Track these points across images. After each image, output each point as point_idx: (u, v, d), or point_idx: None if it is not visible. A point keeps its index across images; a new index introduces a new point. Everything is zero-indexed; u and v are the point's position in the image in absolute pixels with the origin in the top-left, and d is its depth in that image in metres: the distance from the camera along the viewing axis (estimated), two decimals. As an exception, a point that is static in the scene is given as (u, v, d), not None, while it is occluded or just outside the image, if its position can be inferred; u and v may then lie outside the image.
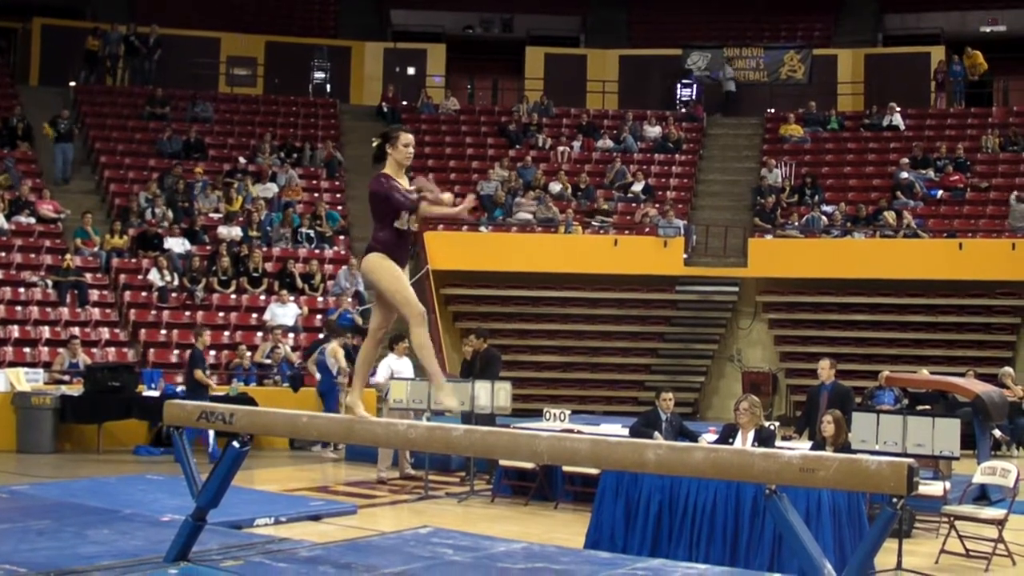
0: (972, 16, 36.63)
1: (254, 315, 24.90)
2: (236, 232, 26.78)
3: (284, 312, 24.27)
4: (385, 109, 34.06)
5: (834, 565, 7.29)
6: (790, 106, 34.17)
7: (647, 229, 28.64)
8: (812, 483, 7.21)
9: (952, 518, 12.19)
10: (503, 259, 27.75)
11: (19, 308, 23.56)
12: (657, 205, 29.39)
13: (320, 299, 25.72)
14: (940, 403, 20.47)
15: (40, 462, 17.92)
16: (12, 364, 21.42)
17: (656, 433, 13.89)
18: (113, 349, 23.24)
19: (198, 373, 19.36)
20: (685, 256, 28.34)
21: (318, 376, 20.51)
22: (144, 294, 24.81)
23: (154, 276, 24.78)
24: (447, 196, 8.97)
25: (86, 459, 18.61)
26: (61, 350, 21.86)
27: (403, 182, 8.73)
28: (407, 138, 8.85)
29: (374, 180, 8.72)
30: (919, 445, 12.10)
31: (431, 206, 8.87)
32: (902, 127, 32.89)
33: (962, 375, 21.63)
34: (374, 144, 8.88)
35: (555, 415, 16.61)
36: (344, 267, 26.33)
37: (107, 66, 33.35)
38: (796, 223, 29.10)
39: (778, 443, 13.21)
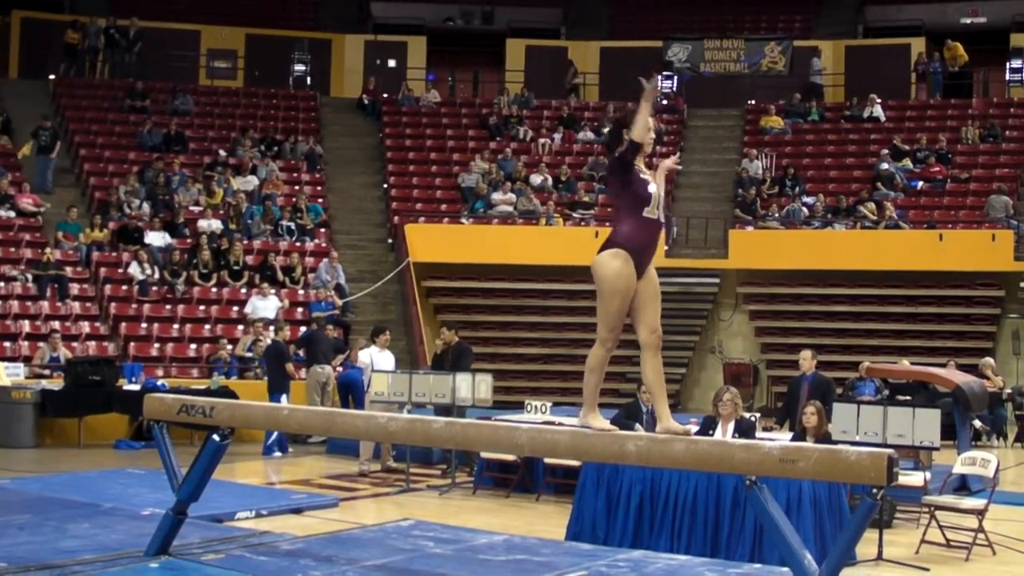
0: (952, 8, 36.67)
1: (235, 308, 24.85)
2: (216, 225, 26.73)
3: (265, 305, 24.22)
4: (366, 102, 34.05)
5: (814, 555, 7.31)
6: (770, 98, 34.23)
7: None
8: (792, 474, 7.22)
9: (932, 508, 12.22)
10: (484, 251, 27.73)
11: (-1, 302, 23.54)
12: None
13: (301, 292, 25.70)
14: (920, 394, 20.52)
15: (20, 456, 17.87)
16: (-8, 359, 21.39)
17: (637, 425, 13.90)
18: (93, 343, 23.19)
19: (289, 366, 19.52)
20: (666, 248, 28.27)
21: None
22: (124, 288, 24.73)
23: (134, 269, 24.72)
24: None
25: (67, 453, 18.58)
26: (41, 344, 21.83)
27: (643, 168, 7.80)
28: (648, 121, 7.78)
29: (612, 161, 7.93)
30: (899, 436, 12.14)
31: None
32: (883, 119, 32.96)
33: (942, 366, 21.71)
34: (606, 131, 8.02)
35: (536, 407, 16.61)
36: (325, 260, 26.30)
37: (87, 59, 33.25)
38: (777, 215, 29.15)
39: (758, 434, 13.24)
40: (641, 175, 7.76)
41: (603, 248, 7.78)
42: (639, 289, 7.83)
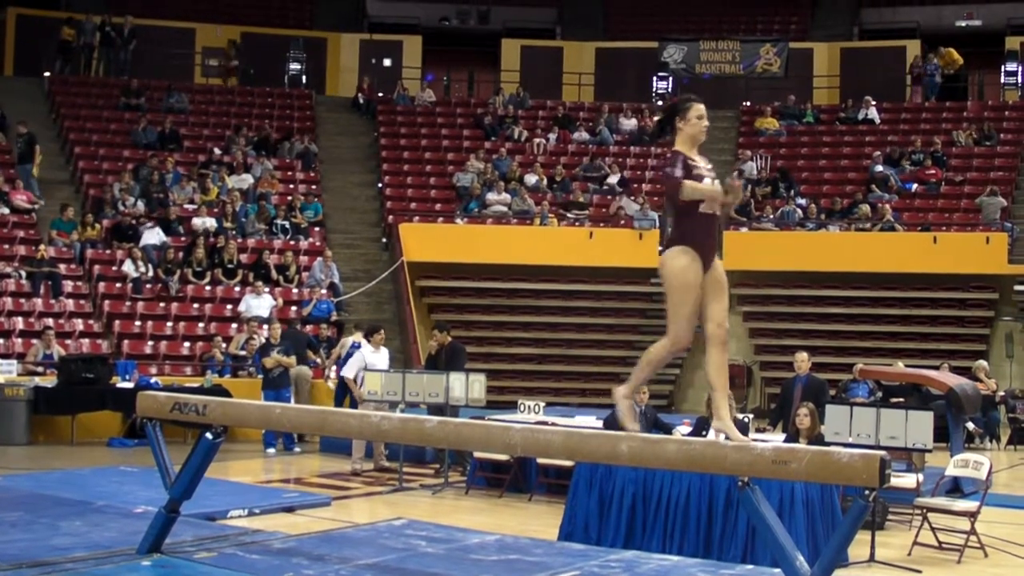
0: (948, 10, 36.78)
1: (229, 306, 24.84)
2: (211, 223, 26.70)
3: (259, 303, 24.19)
4: (361, 101, 34.06)
5: (807, 557, 7.31)
6: (765, 99, 34.27)
7: (622, 221, 28.65)
8: (785, 475, 7.22)
9: (925, 510, 12.23)
10: (478, 251, 27.73)
11: (-8, 299, 23.51)
12: (632, 197, 29.43)
13: (295, 291, 25.69)
14: (914, 396, 20.55)
15: (13, 454, 17.88)
16: (-15, 355, 21.37)
17: (631, 425, 13.88)
18: (87, 340, 23.14)
19: (267, 360, 19.57)
20: (660, 248, 28.33)
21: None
22: (118, 285, 24.71)
23: (128, 267, 24.70)
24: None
25: (60, 451, 18.58)
26: (35, 341, 21.80)
27: (698, 160, 7.73)
28: (700, 109, 7.75)
29: (666, 160, 7.69)
30: (892, 437, 12.15)
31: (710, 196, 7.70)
32: (877, 121, 33.00)
33: (936, 368, 21.71)
34: (656, 118, 7.88)
35: (530, 407, 16.62)
36: (319, 258, 26.29)
37: (82, 56, 33.22)
38: (771, 216, 29.15)
39: (751, 435, 13.24)
40: (695, 171, 7.65)
41: (666, 247, 7.68)
42: (703, 283, 7.70)
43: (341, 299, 25.79)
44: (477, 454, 15.36)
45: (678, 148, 7.68)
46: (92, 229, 25.85)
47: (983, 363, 24.02)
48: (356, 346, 19.57)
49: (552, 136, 32.97)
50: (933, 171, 30.43)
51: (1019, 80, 34.42)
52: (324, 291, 25.31)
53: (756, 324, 28.25)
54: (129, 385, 19.64)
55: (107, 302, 24.30)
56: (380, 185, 31.09)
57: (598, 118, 33.56)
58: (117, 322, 23.86)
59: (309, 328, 23.18)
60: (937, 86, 34.30)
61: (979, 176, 30.33)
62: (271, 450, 19.21)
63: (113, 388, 19.73)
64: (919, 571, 11.19)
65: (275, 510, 13.11)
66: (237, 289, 25.20)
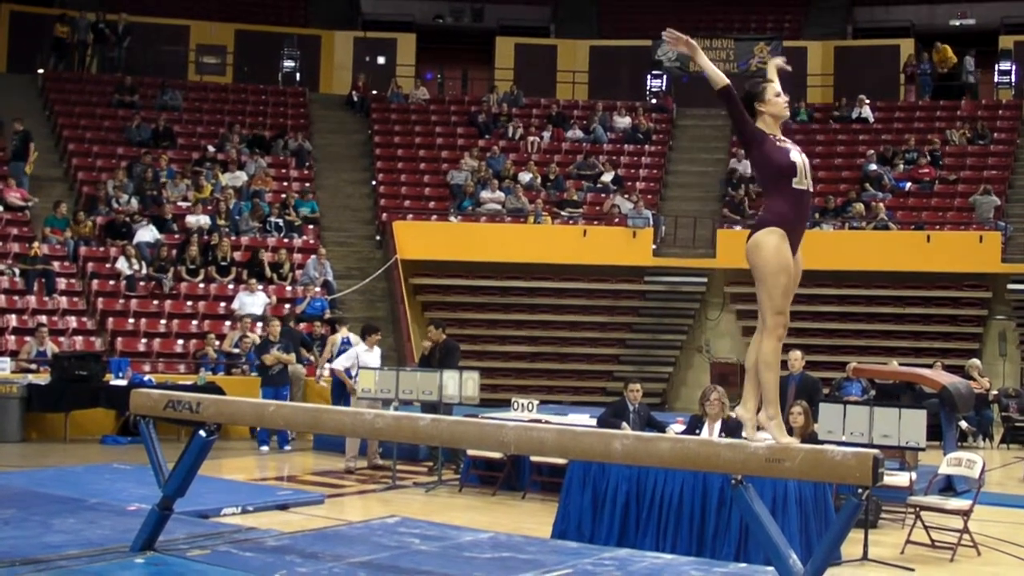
0: (941, 9, 36.80)
1: (222, 304, 24.81)
2: (205, 221, 26.67)
3: (252, 301, 24.17)
4: (355, 98, 34.03)
5: (800, 555, 7.32)
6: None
7: (616, 220, 28.66)
8: (778, 473, 7.23)
9: (918, 509, 12.23)
10: (472, 249, 27.73)
11: (-14, 296, 23.47)
12: (626, 195, 29.42)
13: (289, 288, 25.65)
14: (907, 394, 20.54)
15: (6, 451, 17.83)
16: (-21, 353, 21.35)
17: (624, 423, 13.90)
18: (80, 338, 23.11)
19: (266, 357, 19.63)
20: (654, 247, 28.37)
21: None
22: (112, 283, 24.68)
23: (122, 265, 24.67)
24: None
25: (53, 448, 18.53)
26: (28, 338, 21.77)
27: (784, 139, 7.54)
28: (776, 87, 7.61)
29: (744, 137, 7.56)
30: (885, 436, 12.14)
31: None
32: (871, 120, 33.01)
33: (929, 366, 21.73)
34: (732, 119, 7.55)
35: (523, 405, 16.58)
36: (313, 256, 26.28)
37: (76, 53, 33.17)
38: (765, 215, 29.11)
39: (744, 434, 13.24)
40: (779, 144, 7.47)
41: (755, 228, 7.37)
42: None
43: (335, 297, 25.78)
44: (471, 452, 15.36)
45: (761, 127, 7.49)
46: (85, 226, 25.81)
47: (976, 362, 24.05)
48: (346, 341, 19.59)
49: (546, 134, 32.97)
50: (927, 170, 30.45)
51: (1013, 79, 34.42)
52: (318, 289, 25.30)
53: (749, 322, 28.17)
54: (122, 383, 19.57)
55: (100, 299, 24.26)
56: (374, 183, 31.09)
57: (592, 116, 33.56)
58: (110, 319, 23.83)
59: (303, 326, 23.16)
60: (931, 85, 34.34)
61: (973, 175, 30.35)
62: (264, 448, 19.20)
63: (106, 385, 19.67)
64: (912, 569, 11.20)
65: (269, 508, 13.10)
66: (231, 287, 25.17)
